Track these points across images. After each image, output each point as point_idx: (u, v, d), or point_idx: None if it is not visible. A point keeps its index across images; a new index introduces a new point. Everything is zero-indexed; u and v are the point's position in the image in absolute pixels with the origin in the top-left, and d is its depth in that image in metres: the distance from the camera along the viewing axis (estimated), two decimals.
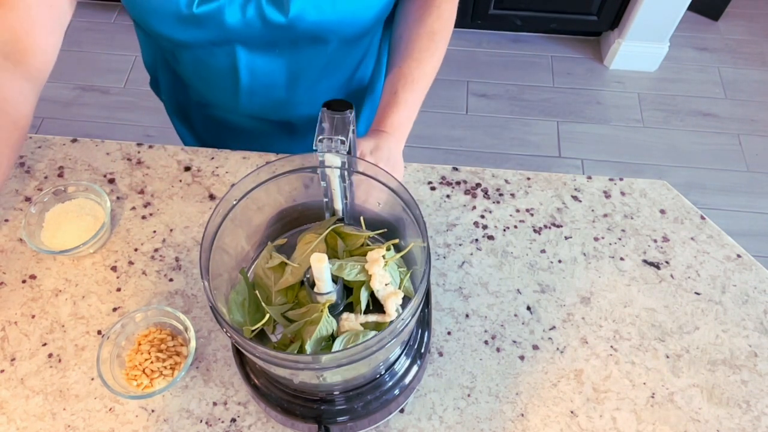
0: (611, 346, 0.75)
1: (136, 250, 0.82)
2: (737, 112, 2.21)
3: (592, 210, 0.87)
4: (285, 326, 0.60)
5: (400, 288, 0.61)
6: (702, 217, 0.86)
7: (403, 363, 0.66)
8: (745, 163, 2.09)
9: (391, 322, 0.58)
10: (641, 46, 2.23)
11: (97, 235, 0.79)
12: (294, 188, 0.65)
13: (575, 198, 0.88)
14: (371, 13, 0.76)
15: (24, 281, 0.79)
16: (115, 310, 0.77)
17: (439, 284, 0.80)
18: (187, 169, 0.90)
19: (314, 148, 0.57)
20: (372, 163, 0.60)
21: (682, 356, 0.75)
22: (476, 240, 0.83)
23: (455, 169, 0.90)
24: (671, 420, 0.70)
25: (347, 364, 0.51)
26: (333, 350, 0.56)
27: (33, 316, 0.77)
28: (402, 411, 0.70)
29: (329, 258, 0.55)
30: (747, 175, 2.06)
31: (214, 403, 0.71)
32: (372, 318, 0.59)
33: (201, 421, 0.69)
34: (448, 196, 0.88)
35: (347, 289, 0.62)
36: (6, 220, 0.85)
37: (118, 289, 0.79)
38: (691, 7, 2.34)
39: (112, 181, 0.89)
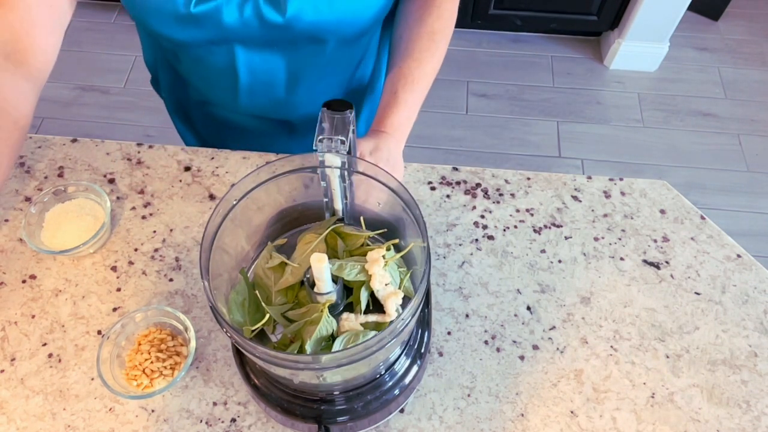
0: (611, 346, 0.75)
1: (136, 250, 0.82)
2: (737, 112, 2.22)
3: (592, 210, 0.87)
4: (285, 326, 0.60)
5: (400, 288, 0.61)
6: (702, 217, 0.86)
7: (403, 363, 0.66)
8: (745, 163, 2.09)
9: (391, 322, 0.58)
10: (641, 46, 2.23)
11: (97, 235, 0.79)
12: (294, 188, 0.65)
13: (575, 198, 0.88)
14: (369, 14, 0.76)
15: (24, 281, 0.79)
16: (115, 310, 0.77)
17: (439, 284, 0.80)
18: (187, 169, 0.90)
19: (314, 148, 0.57)
20: (372, 163, 0.60)
21: (682, 356, 0.75)
22: (476, 240, 0.83)
23: (455, 169, 0.90)
24: (671, 420, 0.70)
25: (347, 364, 0.51)
26: (333, 350, 0.56)
27: (33, 316, 0.77)
28: (402, 411, 0.70)
29: (329, 258, 0.55)
30: (747, 175, 2.06)
31: (214, 403, 0.71)
32: (372, 318, 0.59)
33: (201, 421, 0.69)
34: (448, 196, 0.88)
35: (347, 289, 0.62)
36: (6, 220, 0.85)
37: (118, 289, 0.79)
38: (691, 7, 2.34)
39: (112, 181, 0.89)
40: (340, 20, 0.74)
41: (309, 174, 0.63)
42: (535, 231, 0.85)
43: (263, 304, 0.60)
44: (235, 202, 0.60)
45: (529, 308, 0.78)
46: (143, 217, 0.85)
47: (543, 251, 0.83)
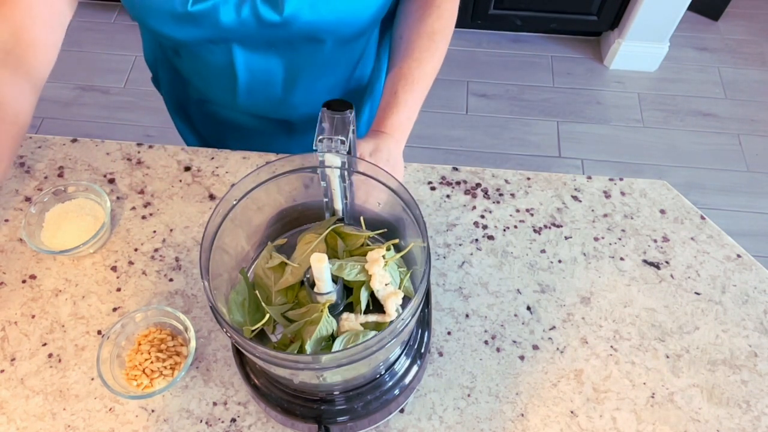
0: (611, 346, 0.75)
1: (136, 250, 0.82)
2: (737, 112, 2.22)
3: (592, 210, 0.87)
4: (285, 326, 0.60)
5: (400, 288, 0.61)
6: (702, 217, 0.86)
7: (403, 363, 0.66)
8: (745, 163, 2.09)
9: (391, 322, 0.58)
10: (641, 46, 2.23)
11: (97, 235, 0.79)
12: (294, 188, 0.65)
13: (575, 198, 0.88)
14: (367, 14, 0.76)
15: (24, 281, 0.79)
16: (115, 310, 0.77)
17: (439, 284, 0.80)
18: (187, 169, 0.90)
19: (314, 148, 0.57)
20: (372, 163, 0.60)
21: (682, 356, 0.75)
22: (476, 240, 0.83)
23: (455, 169, 0.90)
24: (671, 420, 0.70)
25: (347, 364, 0.51)
26: (333, 350, 0.56)
27: (33, 316, 0.77)
28: (402, 411, 0.70)
29: (329, 258, 0.55)
30: (747, 175, 2.06)
31: (214, 403, 0.71)
32: (372, 318, 0.59)
33: (201, 421, 0.69)
34: (448, 196, 0.88)
35: (347, 289, 0.62)
36: (6, 220, 0.85)
37: (118, 289, 0.79)
38: (691, 7, 2.34)
39: (112, 181, 0.89)
40: (338, 20, 0.74)
41: (309, 174, 0.62)
42: (535, 231, 0.85)
43: (263, 304, 0.60)
44: (235, 202, 0.60)
45: (529, 308, 0.78)
46: (143, 217, 0.85)
47: (543, 251, 0.83)
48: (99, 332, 0.75)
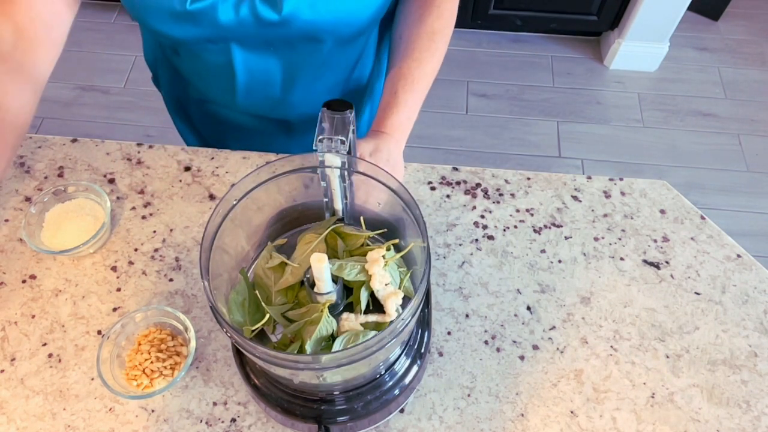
0: (611, 346, 0.75)
1: (136, 250, 0.82)
2: (737, 112, 2.22)
3: (592, 210, 0.87)
4: (285, 326, 0.60)
5: (400, 288, 0.61)
6: (702, 217, 0.86)
7: (403, 363, 0.66)
8: (745, 163, 2.09)
9: (391, 322, 0.58)
10: (641, 46, 2.23)
11: (97, 235, 0.79)
12: (294, 188, 0.65)
13: (575, 198, 0.88)
14: (367, 14, 0.76)
15: (24, 281, 0.79)
16: (115, 310, 0.77)
17: (439, 284, 0.80)
18: (187, 169, 0.90)
19: (314, 148, 0.57)
20: (372, 163, 0.60)
21: (682, 356, 0.75)
22: (476, 240, 0.83)
23: (455, 169, 0.90)
24: (671, 420, 0.70)
25: (347, 364, 0.51)
26: (333, 350, 0.56)
27: (33, 316, 0.77)
28: (402, 411, 0.70)
29: (329, 258, 0.55)
30: (747, 175, 2.06)
31: (214, 403, 0.71)
32: (372, 318, 0.59)
33: (201, 421, 0.69)
34: (448, 196, 0.88)
35: (347, 289, 0.62)
36: (6, 220, 0.85)
37: (118, 289, 0.79)
38: (691, 7, 2.34)
39: (112, 181, 0.89)
40: (337, 20, 0.74)
41: (309, 174, 0.62)
42: (535, 231, 0.85)
43: (263, 304, 0.60)
44: (235, 202, 0.60)
45: (529, 308, 0.78)
46: (143, 217, 0.85)
47: (543, 251, 0.83)
48: (99, 332, 0.75)
